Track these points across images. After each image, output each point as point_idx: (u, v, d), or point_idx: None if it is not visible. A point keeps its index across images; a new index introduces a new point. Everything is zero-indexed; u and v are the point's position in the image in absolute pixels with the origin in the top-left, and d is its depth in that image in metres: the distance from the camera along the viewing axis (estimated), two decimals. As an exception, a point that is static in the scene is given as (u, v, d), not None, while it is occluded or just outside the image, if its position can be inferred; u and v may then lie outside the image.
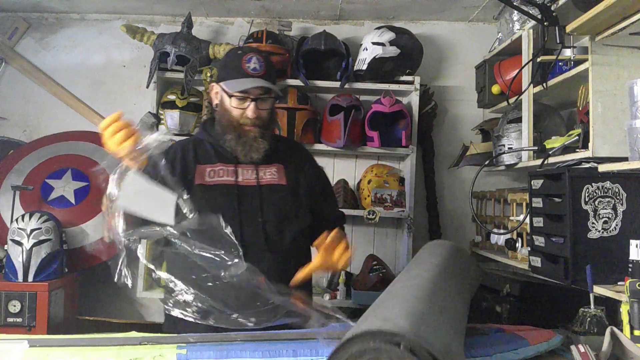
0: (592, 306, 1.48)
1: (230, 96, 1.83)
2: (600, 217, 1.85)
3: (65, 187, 3.05)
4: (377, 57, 2.99)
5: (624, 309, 1.51)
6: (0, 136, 3.35)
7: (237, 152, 1.84)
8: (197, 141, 1.92)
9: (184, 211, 1.61)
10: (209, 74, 3.02)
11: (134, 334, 1.38)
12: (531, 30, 2.47)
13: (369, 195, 3.06)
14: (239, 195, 1.81)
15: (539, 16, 2.23)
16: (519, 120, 2.55)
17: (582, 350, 1.30)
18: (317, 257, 1.76)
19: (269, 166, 1.89)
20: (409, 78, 3.08)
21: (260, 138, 1.84)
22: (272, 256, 1.78)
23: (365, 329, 0.90)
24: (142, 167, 1.71)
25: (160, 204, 1.61)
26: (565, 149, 2.13)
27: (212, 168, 1.84)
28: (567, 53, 2.26)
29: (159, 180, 1.64)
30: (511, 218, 2.59)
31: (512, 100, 2.59)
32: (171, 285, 1.66)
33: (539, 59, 2.34)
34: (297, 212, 1.89)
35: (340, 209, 2.19)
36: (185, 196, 1.60)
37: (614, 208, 1.86)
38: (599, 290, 1.71)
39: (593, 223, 1.85)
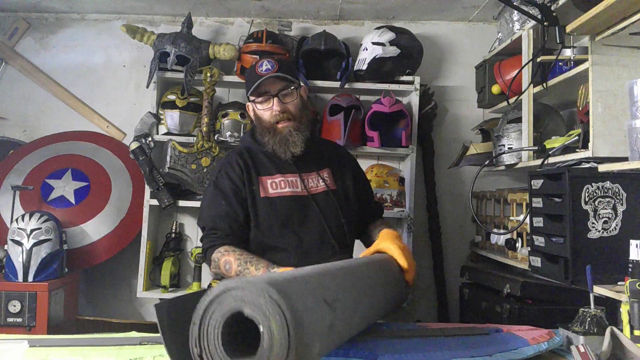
0: (592, 306, 1.48)
1: (255, 102, 1.93)
2: (600, 217, 1.85)
3: (65, 187, 3.05)
4: (377, 57, 2.99)
5: (624, 309, 1.51)
6: (0, 136, 3.35)
7: (277, 151, 1.92)
8: (250, 151, 1.98)
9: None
10: (209, 74, 3.02)
11: (134, 334, 1.38)
12: (531, 30, 2.47)
13: (369, 195, 3.06)
14: (302, 205, 1.90)
15: (539, 16, 2.23)
16: (519, 120, 2.55)
17: (582, 350, 1.30)
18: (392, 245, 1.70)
19: (322, 171, 2.00)
20: (409, 78, 3.08)
21: (294, 131, 1.91)
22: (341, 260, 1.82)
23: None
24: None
25: None
26: (565, 149, 2.13)
27: (273, 180, 1.92)
28: (567, 53, 2.26)
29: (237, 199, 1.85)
30: (511, 218, 2.59)
31: (512, 100, 2.59)
32: None
33: (539, 59, 2.34)
34: (350, 214, 1.99)
35: None
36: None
37: (614, 208, 1.86)
38: (599, 290, 1.71)
39: (593, 223, 1.85)
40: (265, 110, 1.92)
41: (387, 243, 1.70)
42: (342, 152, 2.16)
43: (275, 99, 1.90)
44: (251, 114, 2.01)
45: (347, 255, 1.96)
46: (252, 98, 1.95)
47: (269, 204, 1.87)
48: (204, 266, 3.13)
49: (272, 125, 1.91)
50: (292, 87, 1.93)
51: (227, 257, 1.77)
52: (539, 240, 2.06)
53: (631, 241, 1.60)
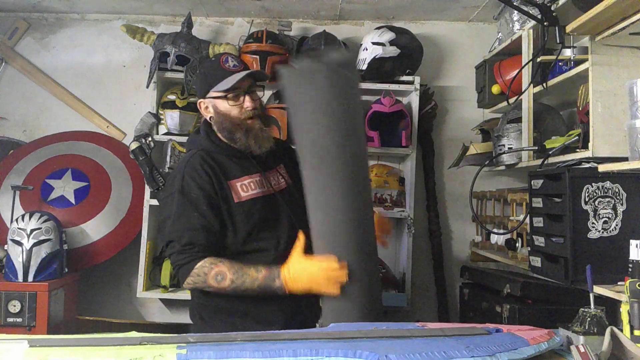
0: (592, 306, 1.48)
1: (226, 97, 1.86)
2: (600, 217, 1.86)
3: (65, 187, 3.05)
4: (377, 57, 2.99)
5: (624, 309, 1.51)
6: (0, 136, 3.35)
7: (251, 146, 1.88)
8: (210, 154, 1.88)
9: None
10: (209, 74, 3.02)
11: (134, 334, 1.37)
12: (531, 30, 2.47)
13: (369, 195, 3.06)
14: (272, 204, 1.89)
15: (539, 16, 2.23)
16: (519, 120, 2.55)
17: (582, 350, 1.30)
18: None
19: (279, 167, 1.99)
20: (409, 78, 3.08)
21: (265, 127, 1.90)
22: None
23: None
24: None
25: None
26: (565, 149, 2.13)
27: (242, 182, 1.86)
28: (567, 53, 2.26)
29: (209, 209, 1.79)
30: (511, 218, 2.59)
31: (512, 100, 2.59)
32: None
33: (539, 59, 2.34)
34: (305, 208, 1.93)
35: None
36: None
37: (614, 208, 1.86)
38: (599, 290, 1.71)
39: (593, 223, 1.85)
40: (234, 106, 1.86)
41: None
42: (287, 146, 2.15)
43: (247, 96, 1.87)
44: (209, 111, 1.91)
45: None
46: (216, 95, 1.87)
47: (243, 208, 1.83)
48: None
49: (242, 122, 1.86)
50: (258, 85, 1.93)
51: (219, 269, 1.72)
52: (539, 240, 2.06)
53: (631, 241, 1.60)
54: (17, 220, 2.76)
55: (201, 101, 1.93)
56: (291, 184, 1.98)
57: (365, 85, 3.08)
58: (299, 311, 1.87)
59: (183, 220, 1.77)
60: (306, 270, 1.67)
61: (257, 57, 2.97)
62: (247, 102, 1.87)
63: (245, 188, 1.86)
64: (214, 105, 1.89)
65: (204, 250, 1.76)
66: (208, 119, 1.93)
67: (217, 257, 1.76)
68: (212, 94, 1.89)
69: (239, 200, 1.83)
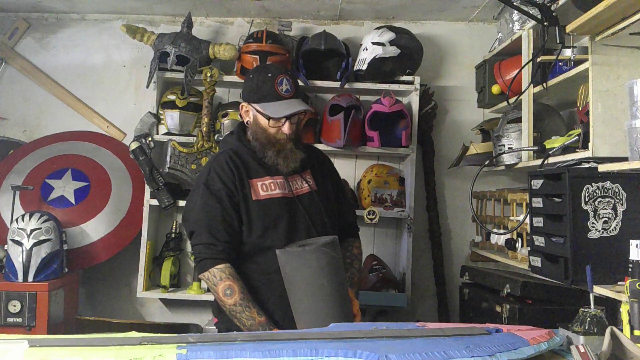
0: (592, 306, 1.48)
1: (270, 118, 1.94)
2: (600, 217, 1.86)
3: (65, 187, 3.05)
4: (377, 57, 2.99)
5: (624, 309, 1.51)
6: (0, 136, 3.35)
7: (280, 165, 1.96)
8: (238, 153, 1.99)
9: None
10: (209, 74, 3.02)
11: (134, 334, 1.37)
12: (531, 30, 2.47)
13: (369, 195, 3.06)
14: (290, 207, 1.96)
15: (539, 16, 2.23)
16: (519, 120, 2.55)
17: (582, 350, 1.30)
18: None
19: (305, 173, 2.05)
20: (409, 78, 3.08)
21: (295, 149, 1.98)
22: None
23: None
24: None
25: None
26: (565, 149, 2.13)
27: (263, 182, 1.96)
28: (567, 53, 2.26)
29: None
30: (511, 218, 2.59)
31: (512, 100, 2.59)
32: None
33: (539, 59, 2.34)
34: (332, 214, 2.06)
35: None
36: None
37: (614, 208, 1.86)
38: (599, 290, 1.71)
39: (593, 223, 1.85)
40: (273, 127, 1.95)
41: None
42: (321, 156, 2.21)
43: (288, 122, 1.94)
44: (249, 117, 2.01)
45: None
46: (259, 108, 1.95)
47: (260, 206, 1.92)
48: (204, 266, 3.13)
49: (276, 141, 1.96)
50: (302, 114, 2.01)
51: (231, 283, 1.83)
52: (539, 240, 2.06)
53: (631, 241, 1.60)
54: (17, 220, 2.76)
55: (243, 105, 2.02)
56: (315, 189, 2.03)
57: (365, 85, 3.09)
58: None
59: (206, 210, 1.89)
60: None
61: (257, 57, 2.97)
62: (286, 128, 1.95)
63: (265, 188, 1.95)
64: (255, 115, 1.99)
65: (226, 250, 1.87)
66: (245, 122, 2.04)
67: (235, 270, 1.86)
68: (256, 106, 1.96)
69: (257, 198, 1.92)
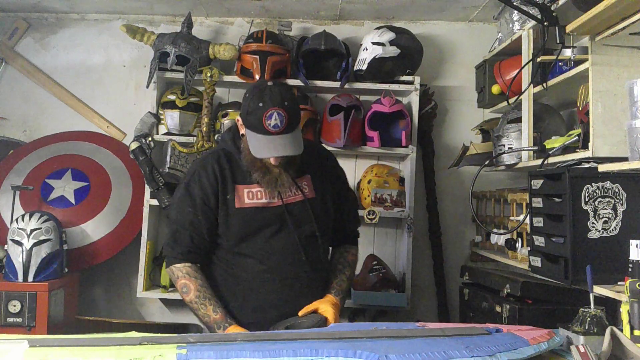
0: (592, 306, 1.48)
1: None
2: (600, 217, 1.86)
3: (65, 187, 3.05)
4: (377, 57, 2.99)
5: (624, 309, 1.51)
6: (0, 136, 3.35)
7: (263, 186, 1.88)
8: (229, 156, 1.94)
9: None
10: (209, 74, 3.02)
11: (134, 334, 1.38)
12: (531, 30, 2.47)
13: (369, 195, 3.06)
14: (275, 216, 1.90)
15: (539, 16, 2.23)
16: (519, 120, 2.55)
17: (582, 350, 1.30)
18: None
19: (301, 179, 1.96)
20: (409, 78, 3.08)
21: (284, 173, 1.87)
22: (310, 269, 1.93)
23: None
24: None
25: None
26: (565, 149, 2.13)
27: (250, 189, 1.90)
28: (567, 53, 2.26)
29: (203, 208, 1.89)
30: (511, 218, 2.59)
31: (512, 100, 2.59)
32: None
33: (539, 59, 2.34)
34: (326, 224, 2.00)
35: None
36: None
37: (614, 208, 1.86)
38: (599, 290, 1.71)
39: (593, 223, 1.85)
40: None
41: (327, 307, 1.89)
42: (327, 159, 2.11)
43: (273, 157, 1.83)
44: (242, 129, 1.91)
45: (316, 264, 1.96)
46: (247, 134, 1.85)
47: (242, 215, 1.89)
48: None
49: (262, 165, 1.86)
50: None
51: (186, 282, 1.88)
52: (539, 240, 2.06)
53: (631, 241, 1.61)
54: (17, 220, 2.75)
55: (239, 119, 1.92)
56: (311, 197, 1.95)
57: (365, 85, 3.09)
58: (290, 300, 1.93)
59: (178, 211, 1.94)
60: None
61: (257, 57, 2.97)
62: (272, 160, 1.84)
63: (251, 195, 1.90)
64: (246, 134, 1.87)
65: (187, 252, 1.91)
66: (240, 133, 1.94)
67: (194, 268, 1.90)
68: (246, 130, 1.85)
69: (240, 206, 1.89)
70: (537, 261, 2.08)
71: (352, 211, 2.19)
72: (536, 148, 2.33)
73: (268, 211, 1.90)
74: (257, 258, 1.90)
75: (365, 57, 3.01)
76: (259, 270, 1.89)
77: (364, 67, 3.01)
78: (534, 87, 2.44)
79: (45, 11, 3.37)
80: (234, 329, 1.80)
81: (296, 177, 1.93)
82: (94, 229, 3.00)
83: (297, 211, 1.93)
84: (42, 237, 2.72)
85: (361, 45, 3.08)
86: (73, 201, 3.02)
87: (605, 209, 1.86)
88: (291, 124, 1.81)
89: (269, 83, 1.86)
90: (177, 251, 1.92)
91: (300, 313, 1.88)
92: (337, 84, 3.04)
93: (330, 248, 2.12)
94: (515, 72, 2.60)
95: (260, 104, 1.79)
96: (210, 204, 1.88)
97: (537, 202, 2.07)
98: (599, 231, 1.85)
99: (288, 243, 1.90)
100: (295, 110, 1.85)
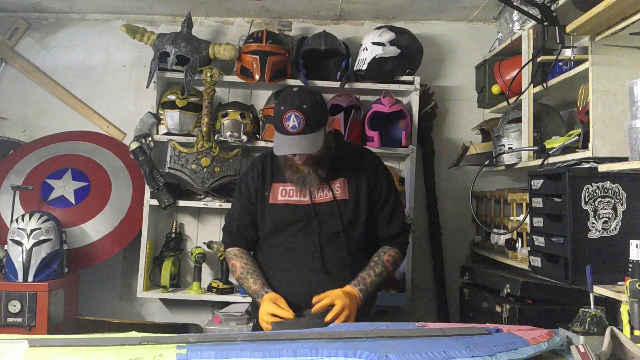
0: (592, 306, 1.48)
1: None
2: (600, 217, 1.86)
3: (65, 187, 3.05)
4: (377, 57, 2.99)
5: (624, 309, 1.51)
6: (0, 136, 3.35)
7: (295, 184, 2.04)
8: (274, 156, 2.07)
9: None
10: (209, 74, 3.02)
11: (134, 334, 1.38)
12: (531, 30, 2.47)
13: (369, 195, 3.06)
14: (304, 213, 2.04)
15: (539, 16, 2.23)
16: (519, 120, 2.55)
17: (582, 350, 1.30)
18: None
19: (334, 182, 2.07)
20: (409, 78, 3.08)
21: (313, 173, 2.01)
22: (329, 266, 2.03)
23: None
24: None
25: None
26: (565, 149, 2.13)
27: (284, 187, 2.09)
28: (567, 53, 2.26)
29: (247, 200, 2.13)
30: (511, 218, 2.59)
31: (512, 100, 2.59)
32: None
33: (539, 59, 2.34)
34: (355, 226, 2.06)
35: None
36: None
37: (614, 208, 1.86)
38: (599, 290, 1.71)
39: (593, 223, 1.85)
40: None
41: (338, 294, 1.93)
42: (368, 163, 2.14)
43: (297, 156, 1.97)
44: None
45: (337, 262, 2.03)
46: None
47: (275, 210, 2.07)
48: (204, 266, 3.14)
49: (292, 164, 2.01)
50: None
51: (234, 262, 2.12)
52: (539, 240, 2.06)
53: (631, 241, 1.60)
54: (17, 220, 2.75)
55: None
56: (342, 199, 2.05)
57: (365, 85, 3.09)
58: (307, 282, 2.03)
59: (232, 203, 2.25)
60: (262, 307, 1.97)
61: (257, 57, 2.97)
62: (297, 158, 1.99)
63: (284, 193, 2.08)
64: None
65: (236, 238, 2.17)
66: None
67: (243, 250, 2.15)
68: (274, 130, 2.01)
69: (273, 202, 2.08)
70: (537, 261, 2.08)
71: (392, 216, 2.14)
72: (536, 148, 2.33)
73: (298, 208, 2.05)
74: (282, 250, 2.07)
75: (365, 57, 3.01)
76: (282, 260, 2.06)
77: (364, 67, 3.01)
78: (534, 87, 2.44)
79: (45, 11, 3.37)
80: (270, 296, 1.97)
81: (330, 179, 2.06)
82: (94, 229, 3.00)
83: (325, 211, 2.04)
84: (42, 237, 2.72)
85: (361, 45, 3.08)
86: (73, 201, 3.03)
87: (605, 209, 1.86)
88: (309, 125, 1.92)
89: (295, 89, 2.09)
90: (227, 237, 2.19)
91: (314, 300, 1.95)
92: (337, 84, 3.04)
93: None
94: (515, 72, 2.60)
95: (282, 107, 1.95)
96: (252, 199, 2.12)
97: (537, 202, 2.07)
98: (599, 231, 1.85)
99: (309, 240, 2.03)
100: (315, 113, 1.94)
